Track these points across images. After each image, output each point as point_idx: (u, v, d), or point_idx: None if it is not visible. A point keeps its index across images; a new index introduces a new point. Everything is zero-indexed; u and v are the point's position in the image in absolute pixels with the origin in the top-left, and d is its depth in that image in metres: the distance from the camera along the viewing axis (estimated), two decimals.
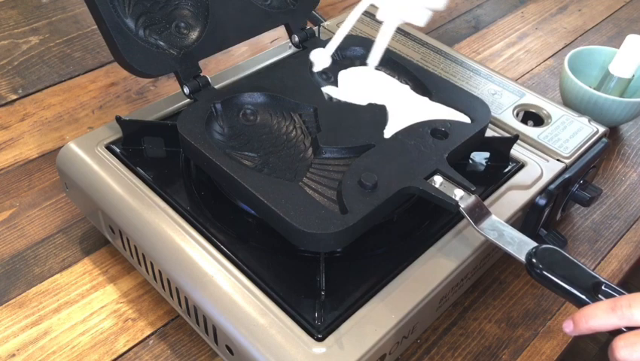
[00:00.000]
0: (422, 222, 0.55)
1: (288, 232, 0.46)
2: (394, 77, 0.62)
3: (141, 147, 0.59)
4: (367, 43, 0.66)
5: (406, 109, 0.57)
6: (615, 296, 0.42)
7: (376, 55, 0.55)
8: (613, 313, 0.40)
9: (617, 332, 0.40)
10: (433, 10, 0.52)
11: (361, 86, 0.60)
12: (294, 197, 0.47)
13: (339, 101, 0.58)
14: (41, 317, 0.57)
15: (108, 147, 0.59)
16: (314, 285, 0.49)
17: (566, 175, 0.59)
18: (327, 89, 0.59)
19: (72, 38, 0.90)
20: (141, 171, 0.57)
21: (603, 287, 0.43)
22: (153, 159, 0.59)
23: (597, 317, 0.40)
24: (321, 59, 0.58)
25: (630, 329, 0.39)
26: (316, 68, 0.59)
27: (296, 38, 0.67)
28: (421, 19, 0.52)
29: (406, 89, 0.61)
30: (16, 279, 0.60)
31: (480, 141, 0.57)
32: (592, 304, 0.42)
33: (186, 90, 0.58)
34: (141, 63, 0.56)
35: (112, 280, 0.60)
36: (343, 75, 0.62)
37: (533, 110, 0.67)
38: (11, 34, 0.89)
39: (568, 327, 0.42)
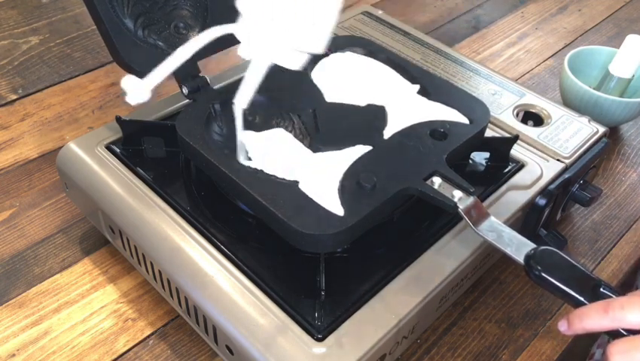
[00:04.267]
0: (422, 222, 0.55)
1: (287, 232, 0.46)
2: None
3: (141, 147, 0.59)
4: (366, 44, 0.66)
5: (406, 110, 0.57)
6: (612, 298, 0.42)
7: (244, 96, 0.48)
8: (605, 314, 0.40)
9: (615, 333, 0.40)
10: (309, 53, 0.45)
11: (360, 83, 0.60)
12: (292, 198, 0.47)
13: (337, 101, 0.58)
14: (41, 317, 0.57)
15: (108, 147, 0.59)
16: (314, 285, 0.49)
17: (566, 175, 0.59)
18: (326, 89, 0.59)
19: (72, 38, 0.90)
20: (141, 171, 0.57)
21: (601, 289, 0.43)
22: (153, 159, 0.59)
23: (590, 317, 0.40)
24: (135, 89, 0.48)
25: (629, 331, 0.39)
26: (130, 100, 0.48)
27: None
28: (295, 63, 0.45)
29: (409, 87, 0.61)
30: (16, 279, 0.60)
31: (479, 142, 0.57)
32: (587, 305, 0.42)
33: (185, 91, 0.58)
34: (140, 63, 0.56)
35: (112, 280, 0.60)
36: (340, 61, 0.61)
37: (533, 110, 0.67)
38: (11, 34, 0.89)
39: (563, 326, 0.42)
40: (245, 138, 0.50)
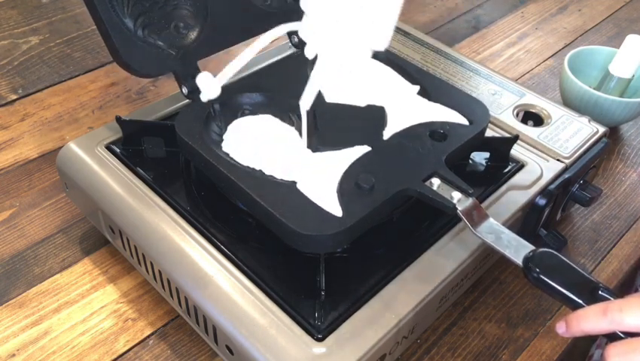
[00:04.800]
0: (422, 222, 0.55)
1: (285, 233, 0.46)
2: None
3: (141, 147, 0.59)
4: None
5: (405, 110, 0.57)
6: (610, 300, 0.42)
7: (309, 96, 0.48)
8: (604, 316, 0.39)
9: (612, 336, 0.40)
10: (373, 50, 0.45)
11: (360, 84, 0.60)
12: (290, 198, 0.47)
13: (337, 102, 0.58)
14: (41, 317, 0.57)
15: (108, 147, 0.59)
16: (314, 285, 0.49)
17: (566, 175, 0.59)
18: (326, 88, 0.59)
19: (72, 38, 0.90)
20: (141, 171, 0.57)
21: (600, 291, 0.43)
22: (153, 159, 0.59)
23: (588, 319, 0.40)
24: (209, 86, 0.49)
25: (627, 334, 0.39)
26: (204, 97, 0.51)
27: (295, 39, 0.67)
28: (359, 60, 0.46)
29: (409, 87, 0.61)
30: (16, 279, 0.60)
31: (479, 143, 0.57)
32: (585, 307, 0.42)
33: (184, 90, 0.58)
34: (140, 63, 0.56)
35: (112, 280, 0.60)
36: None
37: (533, 110, 0.67)
38: (11, 34, 0.89)
39: (561, 328, 0.42)
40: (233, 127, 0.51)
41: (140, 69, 0.56)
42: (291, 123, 0.55)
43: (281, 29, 0.46)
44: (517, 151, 0.61)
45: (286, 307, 0.47)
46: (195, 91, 0.58)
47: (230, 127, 0.54)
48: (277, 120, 0.56)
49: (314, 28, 0.45)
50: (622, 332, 0.39)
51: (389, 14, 0.45)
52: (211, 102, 0.55)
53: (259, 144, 0.52)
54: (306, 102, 0.48)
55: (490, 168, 0.60)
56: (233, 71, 0.49)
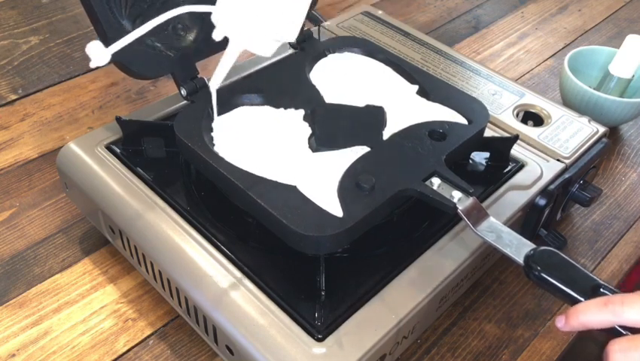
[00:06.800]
0: (422, 222, 0.55)
1: (285, 234, 0.46)
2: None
3: (141, 147, 0.59)
4: (364, 44, 0.66)
5: (405, 110, 0.57)
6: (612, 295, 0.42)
7: (217, 78, 0.50)
8: (605, 308, 0.39)
9: (612, 334, 0.40)
10: (281, 42, 0.47)
11: (360, 84, 0.60)
12: (290, 199, 0.47)
13: (336, 102, 0.58)
14: (41, 317, 0.57)
15: (108, 147, 0.59)
16: (314, 285, 0.49)
17: (566, 175, 0.59)
18: (326, 90, 0.59)
19: (72, 38, 0.90)
20: (141, 171, 0.57)
21: (601, 289, 0.43)
22: (153, 159, 0.59)
23: (589, 312, 0.40)
24: (98, 55, 0.47)
25: (626, 329, 0.39)
26: (92, 64, 0.47)
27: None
28: (267, 50, 0.47)
29: (408, 87, 0.61)
30: (16, 279, 0.60)
31: (479, 142, 0.57)
32: (586, 301, 0.42)
33: (183, 92, 0.58)
34: (138, 65, 0.56)
35: (112, 280, 0.60)
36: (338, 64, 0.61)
37: (533, 110, 0.67)
38: (11, 34, 0.89)
39: (560, 322, 0.42)
40: (218, 123, 0.53)
41: (138, 71, 0.56)
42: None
43: (190, 7, 0.48)
44: (517, 151, 0.61)
45: (286, 307, 0.47)
46: (194, 93, 0.58)
47: (216, 123, 0.54)
48: (270, 112, 0.56)
49: (226, 12, 0.46)
50: (621, 327, 0.39)
51: (299, 7, 0.46)
52: (210, 103, 0.55)
53: (257, 143, 0.52)
54: (215, 82, 0.51)
55: (490, 168, 0.60)
56: (128, 41, 0.48)
